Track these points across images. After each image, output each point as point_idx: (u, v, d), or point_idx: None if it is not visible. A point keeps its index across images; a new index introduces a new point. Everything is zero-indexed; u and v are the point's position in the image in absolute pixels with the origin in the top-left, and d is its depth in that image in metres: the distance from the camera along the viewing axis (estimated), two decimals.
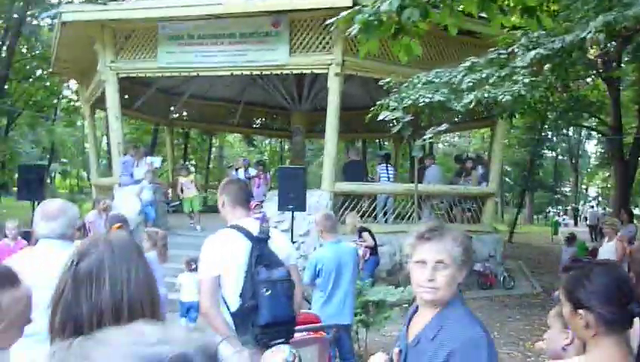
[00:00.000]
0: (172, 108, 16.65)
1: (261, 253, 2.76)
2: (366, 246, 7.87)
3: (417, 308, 1.84)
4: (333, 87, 9.13)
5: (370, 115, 7.15)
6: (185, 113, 17.61)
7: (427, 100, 6.68)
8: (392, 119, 6.11)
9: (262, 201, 9.36)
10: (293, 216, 7.45)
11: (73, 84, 28.63)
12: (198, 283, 2.92)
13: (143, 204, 9.02)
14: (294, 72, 9.54)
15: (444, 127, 7.62)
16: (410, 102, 6.76)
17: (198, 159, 28.37)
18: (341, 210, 9.44)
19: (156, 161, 10.88)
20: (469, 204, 11.17)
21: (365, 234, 8.01)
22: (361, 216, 9.77)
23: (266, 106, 17.37)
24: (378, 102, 7.10)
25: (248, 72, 9.76)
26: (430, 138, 7.95)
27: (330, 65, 9.09)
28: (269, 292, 2.64)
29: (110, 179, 11.11)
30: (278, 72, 9.57)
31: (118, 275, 1.23)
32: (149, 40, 9.94)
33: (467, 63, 7.02)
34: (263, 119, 18.90)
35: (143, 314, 1.20)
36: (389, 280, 8.26)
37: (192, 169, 18.93)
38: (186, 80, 14.09)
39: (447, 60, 9.36)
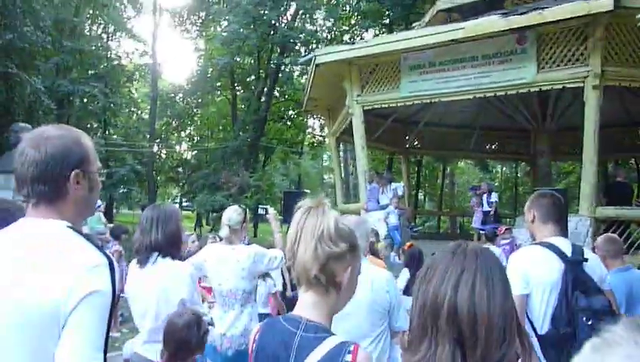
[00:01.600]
0: (407, 137, 17.09)
1: (576, 276, 2.57)
2: None
3: None
4: (591, 101, 8.27)
5: None
6: (418, 141, 17.94)
7: None
8: None
9: (510, 226, 8.88)
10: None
11: (317, 121, 31.88)
12: None
13: (390, 228, 9.35)
14: (543, 88, 8.92)
15: None
16: None
17: (430, 186, 28.51)
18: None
19: (400, 187, 11.23)
20: None
21: None
22: (629, 247, 8.56)
23: (502, 130, 16.67)
24: None
25: (492, 94, 9.47)
26: None
27: (586, 77, 8.28)
28: (591, 322, 2.43)
29: (357, 204, 11.83)
30: (526, 90, 9.06)
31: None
32: (392, 72, 10.42)
33: None
34: (498, 143, 18.16)
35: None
36: None
37: None
38: (422, 108, 14.41)
39: None
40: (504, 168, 31.85)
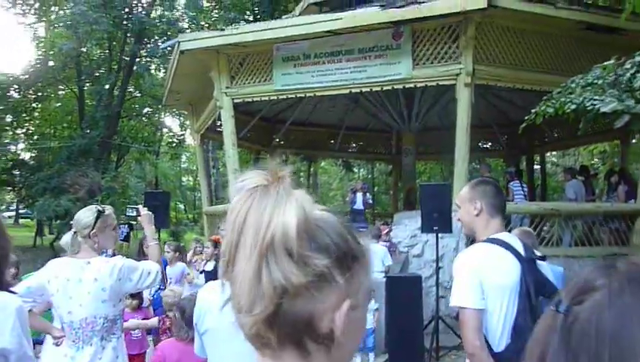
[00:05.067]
0: (274, 135, 16.64)
1: (536, 278, 2.10)
2: None
3: None
4: (463, 98, 8.40)
5: (525, 124, 6.34)
6: (285, 140, 17.58)
7: (595, 105, 5.77)
8: (619, 111, 5.24)
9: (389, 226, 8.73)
10: (437, 238, 6.70)
11: (177, 119, 30.10)
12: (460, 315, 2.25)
13: None
14: (418, 85, 8.89)
15: None
16: (574, 106, 5.90)
17: (297, 186, 28.41)
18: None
19: None
20: (616, 223, 9.87)
21: None
22: None
23: (366, 130, 16.96)
24: (534, 110, 6.26)
25: (368, 89, 9.25)
26: None
27: (458, 75, 8.39)
28: None
29: (226, 205, 10.95)
30: (401, 86, 8.97)
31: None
32: (264, 63, 9.77)
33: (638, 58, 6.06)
34: (362, 143, 18.49)
35: None
36: None
37: None
38: (291, 106, 14.01)
39: (582, 65, 8.39)
40: (360, 169, 32.90)
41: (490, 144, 18.03)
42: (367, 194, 10.89)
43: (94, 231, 2.73)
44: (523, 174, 12.39)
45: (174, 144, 31.23)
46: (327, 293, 0.71)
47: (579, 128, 9.84)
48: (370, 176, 29.51)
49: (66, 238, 2.63)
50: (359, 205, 10.49)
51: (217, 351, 2.03)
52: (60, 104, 26.17)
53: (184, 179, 44.43)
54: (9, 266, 2.14)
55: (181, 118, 28.97)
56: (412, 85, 8.91)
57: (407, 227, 8.30)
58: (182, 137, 31.09)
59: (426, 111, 12.80)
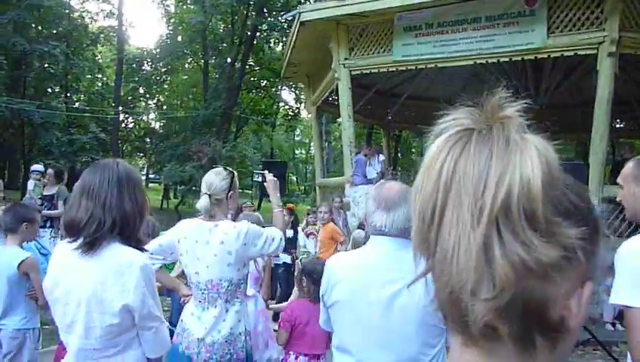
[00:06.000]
0: (389, 109, 16.32)
1: None
2: None
3: None
4: (606, 70, 7.53)
5: None
6: (400, 115, 17.18)
7: None
8: None
9: None
10: None
11: (292, 93, 30.75)
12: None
13: None
14: (553, 55, 8.14)
15: None
16: None
17: (407, 162, 27.96)
18: (610, 220, 7.77)
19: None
20: None
21: None
22: (632, 232, 7.97)
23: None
24: None
25: (495, 60, 8.64)
26: None
27: (601, 43, 7.53)
28: None
29: (339, 178, 10.97)
30: (532, 57, 8.27)
31: None
32: (383, 34, 9.50)
33: None
34: None
35: None
36: None
37: None
38: (407, 80, 13.61)
39: None
40: None
41: (624, 123, 16.31)
42: None
43: (231, 193, 2.75)
44: None
45: (289, 117, 31.98)
46: (567, 273, 0.55)
47: None
48: None
49: (204, 202, 2.65)
50: None
51: (346, 326, 1.93)
52: (186, 77, 27.81)
53: (297, 151, 45.56)
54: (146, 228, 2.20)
55: (297, 92, 29.50)
56: (545, 55, 8.18)
57: None
58: (297, 110, 31.72)
59: (556, 86, 11.77)
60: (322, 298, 2.03)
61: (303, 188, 40.36)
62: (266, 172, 3.12)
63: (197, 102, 26.13)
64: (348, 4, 9.30)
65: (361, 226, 5.90)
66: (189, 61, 27.56)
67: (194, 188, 20.29)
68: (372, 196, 1.98)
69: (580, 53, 7.87)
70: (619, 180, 2.16)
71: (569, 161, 9.68)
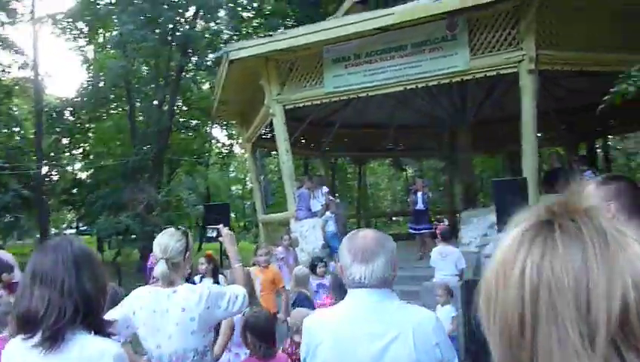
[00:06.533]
0: (324, 139, 16.41)
1: None
2: None
3: None
4: (527, 86, 7.94)
5: (602, 106, 5.89)
6: (335, 143, 17.33)
7: None
8: None
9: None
10: None
11: (224, 130, 30.44)
12: None
13: (328, 235, 8.47)
14: (477, 76, 8.48)
15: None
16: None
17: (345, 189, 28.18)
18: None
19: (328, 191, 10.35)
20: None
21: None
22: None
23: (417, 127, 16.48)
24: (612, 90, 5.80)
25: (424, 84, 8.90)
26: None
27: (520, 61, 7.94)
28: None
29: (283, 214, 10.82)
30: (459, 78, 8.59)
31: None
32: (314, 67, 9.59)
33: None
34: (413, 141, 18.02)
35: None
36: None
37: None
38: (339, 109, 13.77)
39: None
40: (408, 166, 32.25)
41: (541, 133, 17.24)
42: (429, 192, 10.45)
43: (188, 254, 2.56)
44: (594, 161, 11.62)
45: (223, 155, 31.59)
46: None
47: None
48: (419, 173, 28.89)
49: (162, 269, 2.45)
50: (421, 205, 10.09)
51: None
52: (112, 123, 26.93)
53: (233, 188, 44.95)
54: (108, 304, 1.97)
55: (229, 129, 29.24)
56: (470, 77, 8.51)
57: (476, 226, 7.90)
58: (231, 146, 31.37)
59: (480, 104, 12.28)
60: (304, 361, 1.90)
61: (242, 224, 39.72)
62: (220, 226, 2.94)
63: (126, 147, 25.28)
64: (275, 41, 9.34)
65: (336, 277, 5.65)
66: (113, 107, 26.73)
67: (132, 236, 19.46)
68: (346, 248, 1.89)
69: (502, 72, 8.25)
70: None
71: (509, 178, 10.05)
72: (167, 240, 2.50)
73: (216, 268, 6.57)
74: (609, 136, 24.01)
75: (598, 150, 17.25)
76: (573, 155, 14.32)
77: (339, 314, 1.89)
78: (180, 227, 2.68)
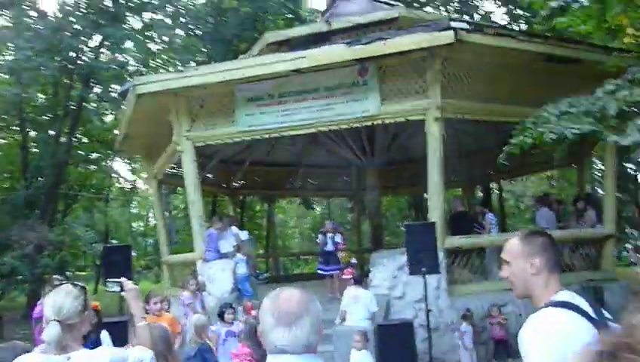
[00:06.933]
0: (232, 177, 16.16)
1: None
2: None
3: None
4: (434, 133, 8.30)
5: (504, 156, 6.24)
6: (244, 181, 17.11)
7: (576, 132, 5.76)
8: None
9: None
10: (425, 281, 6.39)
11: (127, 164, 29.05)
12: None
13: (239, 278, 8.16)
14: (387, 121, 8.74)
15: None
16: (553, 135, 5.86)
17: (254, 227, 27.75)
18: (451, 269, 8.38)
19: (242, 233, 10.06)
20: (587, 248, 9.93)
21: None
22: (475, 274, 8.72)
23: (327, 167, 16.72)
24: (514, 141, 6.19)
25: (336, 127, 9.02)
26: None
27: (427, 109, 8.30)
28: None
29: (190, 254, 10.35)
30: (369, 123, 8.81)
31: None
32: (226, 104, 9.44)
33: (610, 87, 6.13)
34: (322, 180, 18.23)
35: None
36: None
37: None
38: (249, 147, 13.64)
39: (545, 95, 8.50)
40: (316, 206, 32.56)
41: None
42: (340, 234, 10.50)
43: (86, 315, 2.24)
44: (489, 202, 12.34)
45: (126, 190, 30.10)
46: None
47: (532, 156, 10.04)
48: (327, 212, 29.19)
49: (53, 332, 2.12)
50: (330, 247, 10.12)
51: None
52: (1, 153, 24.78)
53: (134, 225, 42.86)
54: None
55: (132, 164, 27.97)
56: (380, 121, 8.76)
57: (386, 267, 7.98)
58: (133, 182, 29.98)
59: (388, 146, 12.68)
60: None
61: (143, 263, 37.73)
62: (123, 280, 2.64)
63: (15, 181, 23.28)
64: (187, 76, 9.11)
65: (251, 325, 5.34)
66: (1, 136, 24.65)
67: (18, 278, 17.73)
68: (267, 310, 1.72)
69: (410, 118, 8.57)
70: (505, 256, 2.15)
71: (420, 222, 10.34)
72: (61, 300, 2.19)
73: (100, 322, 5.92)
74: (501, 180, 25.88)
75: (493, 192, 18.37)
76: (472, 198, 15.12)
77: None
78: (77, 284, 2.37)
